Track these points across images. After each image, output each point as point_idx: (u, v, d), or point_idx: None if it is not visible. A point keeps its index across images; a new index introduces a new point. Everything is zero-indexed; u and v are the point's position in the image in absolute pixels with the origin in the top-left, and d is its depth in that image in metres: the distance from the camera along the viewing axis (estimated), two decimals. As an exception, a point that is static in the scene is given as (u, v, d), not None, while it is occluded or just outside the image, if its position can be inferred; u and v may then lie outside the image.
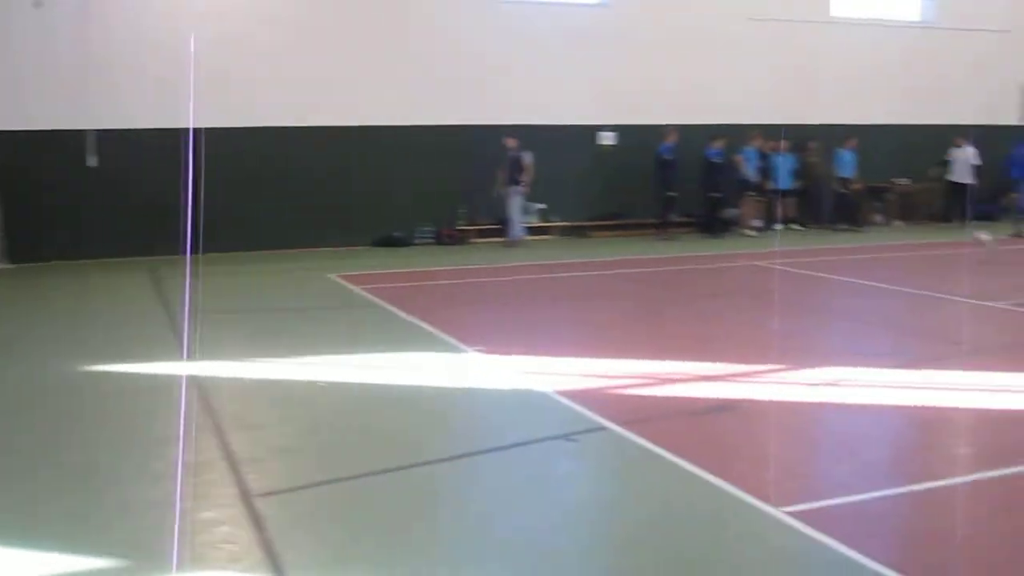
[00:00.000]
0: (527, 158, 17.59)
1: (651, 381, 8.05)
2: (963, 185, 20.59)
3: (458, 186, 18.01)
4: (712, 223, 19.21)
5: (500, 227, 18.11)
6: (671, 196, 18.74)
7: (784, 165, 19.88)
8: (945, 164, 20.91)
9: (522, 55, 18.33)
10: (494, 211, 18.27)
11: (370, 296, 12.17)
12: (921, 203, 21.64)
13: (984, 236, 15.55)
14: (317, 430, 6.88)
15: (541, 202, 18.82)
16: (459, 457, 6.22)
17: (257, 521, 5.15)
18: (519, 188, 17.63)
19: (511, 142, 17.60)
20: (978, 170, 20.36)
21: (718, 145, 19.01)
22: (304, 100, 16.84)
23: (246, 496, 5.50)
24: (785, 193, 20.00)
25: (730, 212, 19.51)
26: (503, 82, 18.20)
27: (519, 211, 17.83)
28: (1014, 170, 20.28)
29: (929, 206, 21.43)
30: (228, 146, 15.62)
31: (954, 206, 20.83)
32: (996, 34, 21.79)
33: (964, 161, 20.53)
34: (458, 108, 17.84)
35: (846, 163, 20.16)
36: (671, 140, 18.64)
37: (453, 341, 9.43)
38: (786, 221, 20.09)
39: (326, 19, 17.15)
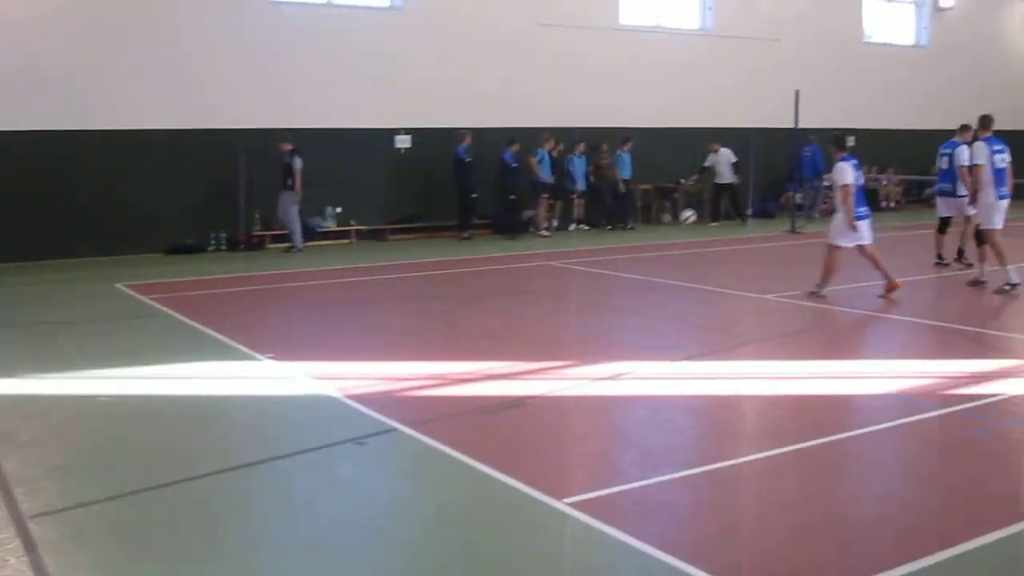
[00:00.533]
0: (297, 163, 17.15)
1: (443, 381, 8.15)
2: (727, 185, 21.90)
3: (253, 190, 17.64)
4: (509, 224, 19.54)
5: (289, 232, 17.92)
6: (472, 198, 18.97)
7: (580, 167, 20.49)
8: (705, 170, 22.08)
9: (316, 58, 18.17)
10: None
11: (159, 306, 11.79)
12: (706, 202, 22.73)
13: (690, 214, 16.83)
14: (97, 447, 6.63)
15: (338, 206, 18.69)
16: (247, 466, 6.14)
17: (29, 543, 4.93)
18: (291, 193, 17.22)
19: (285, 146, 17.23)
20: (737, 167, 21.80)
21: (515, 148, 19.36)
22: (86, 103, 16.14)
23: (18, 518, 5.25)
24: (579, 194, 20.63)
25: (526, 213, 19.90)
26: (298, 85, 17.98)
27: (294, 216, 17.35)
28: (803, 170, 21.98)
29: (714, 205, 22.55)
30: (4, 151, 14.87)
31: (722, 205, 22.15)
32: (768, 42, 23.12)
33: (724, 162, 21.78)
34: (252, 111, 17.49)
35: (624, 164, 20.95)
36: (467, 142, 18.87)
37: (245, 349, 9.27)
38: (578, 221, 20.73)
39: (94, 17, 16.42)
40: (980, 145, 12.46)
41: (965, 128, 14.19)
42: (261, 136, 17.50)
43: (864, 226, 11.69)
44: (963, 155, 13.53)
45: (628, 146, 20.93)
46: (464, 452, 6.12)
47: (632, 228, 20.74)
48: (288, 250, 17.31)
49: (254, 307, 12.21)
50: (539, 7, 20.27)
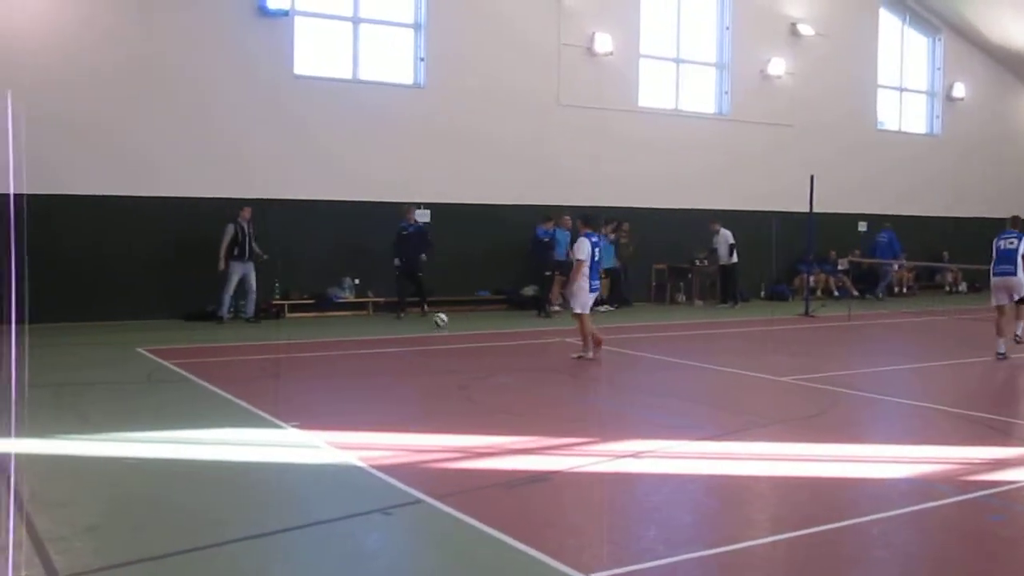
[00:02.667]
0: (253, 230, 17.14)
1: (465, 455, 8.21)
2: (729, 266, 21.94)
3: (275, 259, 17.84)
4: (535, 301, 19.69)
5: (314, 301, 18.08)
6: (409, 272, 18.68)
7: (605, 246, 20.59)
8: (713, 251, 22.21)
9: (340, 131, 18.56)
10: (310, 284, 18.34)
11: (181, 371, 11.91)
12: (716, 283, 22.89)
13: (441, 318, 17.00)
14: (125, 508, 6.69)
15: (356, 277, 18.92)
16: (271, 534, 6.18)
17: (64, 603, 4.99)
18: (249, 263, 17.11)
19: (246, 213, 17.09)
20: (733, 249, 21.87)
21: (548, 226, 19.56)
22: (122, 169, 16.69)
23: (53, 576, 5.32)
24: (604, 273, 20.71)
25: (526, 290, 20.04)
26: (322, 157, 18.36)
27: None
28: (880, 253, 23.52)
29: (722, 286, 22.64)
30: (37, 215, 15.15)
31: (726, 286, 22.11)
32: (783, 127, 23.49)
33: (723, 243, 21.88)
34: (280, 181, 17.88)
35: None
36: (410, 217, 18.64)
37: (268, 416, 9.35)
38: (600, 301, 20.75)
39: (136, 88, 16.93)
40: None
41: None
42: (284, 205, 17.86)
43: (590, 298, 12.89)
44: None
45: (607, 227, 20.93)
46: (491, 525, 6.16)
47: (614, 308, 20.64)
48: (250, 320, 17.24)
49: (275, 375, 12.29)
50: (559, 88, 20.68)
